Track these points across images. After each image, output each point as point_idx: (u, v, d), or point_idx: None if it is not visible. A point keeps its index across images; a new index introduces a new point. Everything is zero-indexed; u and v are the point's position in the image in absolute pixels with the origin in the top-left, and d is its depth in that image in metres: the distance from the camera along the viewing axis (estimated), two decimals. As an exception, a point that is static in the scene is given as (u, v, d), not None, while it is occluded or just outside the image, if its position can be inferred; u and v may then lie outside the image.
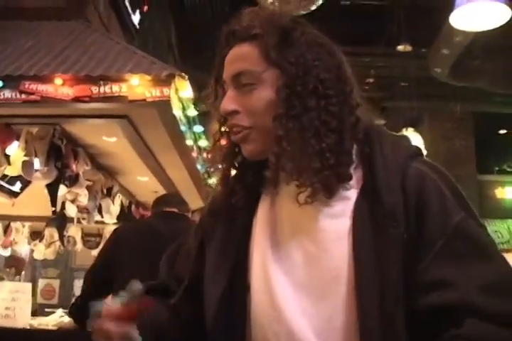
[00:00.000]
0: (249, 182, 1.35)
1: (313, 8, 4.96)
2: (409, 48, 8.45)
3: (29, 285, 5.69)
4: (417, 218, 1.17)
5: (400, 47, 8.47)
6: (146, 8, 7.95)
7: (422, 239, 1.16)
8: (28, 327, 5.02)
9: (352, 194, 1.23)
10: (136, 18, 7.59)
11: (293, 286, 1.21)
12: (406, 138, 1.34)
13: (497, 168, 13.03)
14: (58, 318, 5.20)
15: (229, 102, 1.29)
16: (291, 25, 1.29)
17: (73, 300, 4.33)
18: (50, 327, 5.03)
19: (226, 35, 1.33)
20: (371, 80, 10.01)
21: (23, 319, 5.10)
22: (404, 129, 8.54)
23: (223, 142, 1.37)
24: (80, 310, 3.52)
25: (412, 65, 8.84)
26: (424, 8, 7.92)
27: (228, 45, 1.32)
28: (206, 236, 1.39)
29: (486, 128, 12.43)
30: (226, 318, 1.26)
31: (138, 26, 7.65)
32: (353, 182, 1.24)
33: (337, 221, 1.22)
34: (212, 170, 1.39)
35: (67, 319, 5.03)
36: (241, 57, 1.29)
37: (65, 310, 5.24)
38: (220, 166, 1.37)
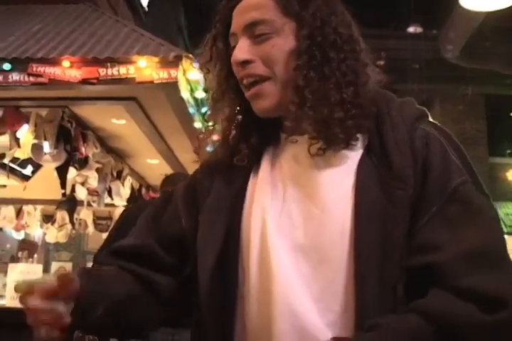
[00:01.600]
0: (252, 141, 1.32)
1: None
2: (420, 30, 8.40)
3: (40, 267, 5.75)
4: (422, 179, 1.16)
5: (411, 29, 8.42)
6: (155, -10, 7.93)
7: (422, 200, 1.15)
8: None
9: (356, 152, 1.22)
10: (145, 0, 7.58)
11: (291, 249, 1.18)
12: (412, 101, 1.31)
13: (509, 151, 12.96)
14: (69, 299, 5.24)
15: (242, 51, 1.24)
16: None
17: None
18: (61, 308, 5.08)
19: None
20: (382, 62, 9.94)
21: (34, 300, 5.15)
22: (415, 112, 8.49)
23: (223, 103, 1.33)
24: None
25: (423, 46, 8.79)
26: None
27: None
28: (201, 194, 1.35)
29: (498, 111, 12.35)
30: (221, 283, 1.22)
31: (147, 8, 7.64)
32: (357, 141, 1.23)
33: (340, 180, 1.20)
34: (212, 128, 1.35)
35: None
36: (256, 6, 1.25)
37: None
38: (221, 125, 1.33)
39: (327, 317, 1.14)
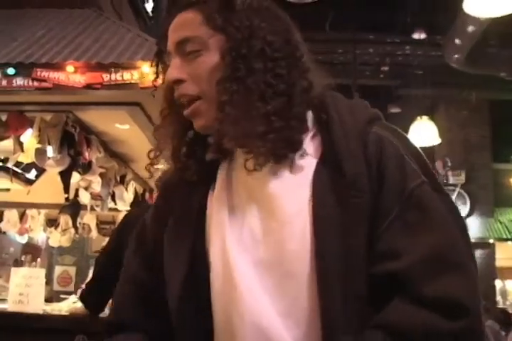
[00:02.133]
0: (200, 156, 1.30)
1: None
2: (424, 36, 8.40)
3: (43, 271, 5.73)
4: (378, 185, 1.15)
5: (415, 35, 8.43)
6: (159, -5, 7.95)
7: (380, 206, 1.14)
8: (41, 313, 5.06)
9: (310, 163, 1.20)
10: (149, 5, 7.60)
11: (254, 264, 1.16)
12: (363, 102, 1.30)
13: (513, 157, 12.97)
14: (71, 304, 5.23)
15: (174, 71, 1.24)
16: None
17: (83, 285, 4.38)
18: (63, 313, 5.08)
19: (170, 5, 1.32)
20: (386, 68, 9.96)
21: (37, 304, 5.15)
22: (419, 117, 8.48)
23: (170, 119, 1.31)
24: (89, 295, 3.55)
25: (427, 52, 8.80)
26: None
27: (170, 16, 1.28)
28: (161, 222, 1.33)
29: (502, 117, 12.35)
30: (190, 304, 1.21)
31: (151, 14, 7.66)
32: (310, 150, 1.21)
33: (296, 191, 1.18)
34: (158, 151, 1.31)
35: (79, 304, 5.07)
36: (184, 24, 1.25)
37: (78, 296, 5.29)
38: (168, 145, 1.30)
39: (294, 332, 1.12)
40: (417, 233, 1.11)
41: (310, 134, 1.24)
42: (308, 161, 1.20)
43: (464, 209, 10.00)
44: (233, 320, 1.15)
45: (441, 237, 1.11)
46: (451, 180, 10.22)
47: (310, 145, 1.22)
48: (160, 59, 1.33)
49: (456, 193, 10.08)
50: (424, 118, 8.44)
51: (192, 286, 1.21)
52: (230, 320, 1.16)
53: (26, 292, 5.19)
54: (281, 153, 1.18)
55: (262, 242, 1.17)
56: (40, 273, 5.55)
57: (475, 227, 10.92)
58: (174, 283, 1.23)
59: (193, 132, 1.30)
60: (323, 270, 1.11)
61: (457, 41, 8.39)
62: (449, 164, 10.19)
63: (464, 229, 1.18)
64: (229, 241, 1.19)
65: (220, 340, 1.18)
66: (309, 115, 1.25)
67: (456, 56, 8.75)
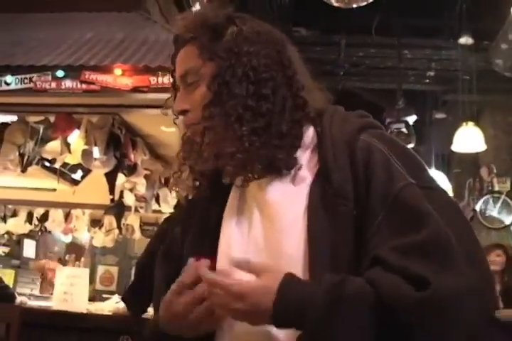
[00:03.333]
0: (210, 174, 1.36)
1: (372, 0, 4.92)
2: (470, 41, 8.29)
3: (87, 271, 5.82)
4: (365, 191, 1.20)
5: (462, 40, 8.32)
6: None
7: (368, 212, 1.18)
8: (85, 312, 5.13)
9: (307, 175, 1.27)
10: (195, 9, 7.64)
11: None
12: (357, 114, 1.36)
13: (559, 164, 12.73)
14: (114, 304, 5.30)
15: (178, 102, 1.35)
16: (224, 23, 1.34)
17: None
18: (106, 313, 5.14)
19: (174, 42, 1.40)
20: (432, 73, 9.85)
21: (81, 303, 5.22)
22: (464, 123, 8.38)
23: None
24: (130, 296, 3.59)
25: (474, 58, 8.69)
26: None
27: (177, 52, 1.39)
28: (184, 235, 1.41)
29: (550, 123, 12.14)
30: None
31: (198, 18, 7.71)
32: (308, 164, 1.29)
33: (295, 202, 1.25)
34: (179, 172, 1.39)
35: (122, 305, 5.13)
36: (184, 58, 1.36)
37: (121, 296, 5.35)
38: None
39: (287, 331, 1.16)
40: (402, 235, 1.14)
41: (310, 148, 1.31)
42: (306, 174, 1.28)
43: (508, 217, 9.84)
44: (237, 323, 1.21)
45: (427, 236, 1.12)
46: (497, 187, 10.05)
47: (309, 158, 1.30)
48: (176, 89, 1.41)
49: (501, 201, 9.92)
50: (470, 124, 8.33)
51: None
52: (233, 323, 1.23)
53: (70, 291, 5.27)
54: (254, 170, 1.27)
55: (264, 250, 1.25)
56: (84, 272, 5.63)
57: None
58: None
59: None
60: (316, 273, 1.17)
61: (504, 46, 8.28)
62: (495, 171, 10.02)
63: (463, 225, 1.21)
64: (234, 250, 1.28)
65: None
66: (310, 131, 1.33)
67: (502, 62, 8.63)
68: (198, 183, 1.37)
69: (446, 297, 1.07)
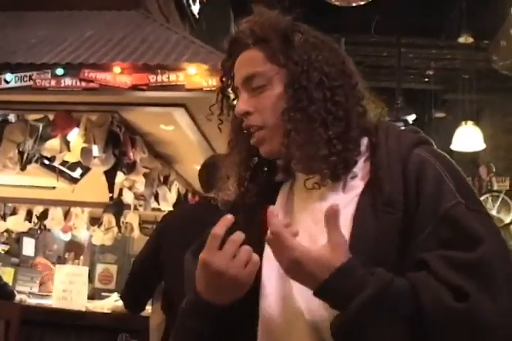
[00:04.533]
0: (261, 180, 1.42)
1: (372, -2, 4.93)
2: (470, 40, 8.29)
3: (86, 269, 5.82)
4: (415, 203, 1.23)
5: (461, 39, 8.32)
6: (206, -2, 8.02)
7: (415, 223, 1.21)
8: (84, 310, 5.14)
9: (359, 184, 1.30)
10: (195, 8, 7.66)
11: None
12: (414, 129, 1.41)
13: (560, 164, 12.73)
14: (113, 302, 5.30)
15: (242, 104, 1.36)
16: (291, 28, 1.37)
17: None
18: (105, 311, 5.14)
19: (230, 45, 1.41)
20: (431, 72, 9.86)
21: (80, 301, 5.23)
22: (464, 123, 8.38)
23: (237, 149, 1.44)
24: (127, 293, 3.59)
25: (474, 57, 8.69)
26: (487, -1, 7.79)
27: (233, 55, 1.40)
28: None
29: (549, 123, 12.14)
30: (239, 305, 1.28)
31: (197, 16, 7.72)
32: (361, 173, 1.32)
33: (344, 209, 1.24)
34: (226, 178, 1.44)
35: (121, 303, 5.13)
36: (249, 61, 1.36)
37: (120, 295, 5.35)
38: (235, 171, 1.43)
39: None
40: (453, 249, 1.16)
41: (363, 158, 1.34)
42: (358, 182, 1.31)
43: (507, 216, 9.84)
44: (289, 318, 1.26)
45: (481, 256, 1.14)
46: (496, 187, 10.05)
47: (362, 167, 1.33)
48: (223, 96, 1.45)
49: (500, 199, 9.92)
50: (469, 123, 8.34)
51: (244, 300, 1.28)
52: (283, 319, 1.27)
53: (70, 289, 5.27)
54: (340, 172, 1.30)
55: None
56: (84, 270, 5.64)
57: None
58: None
59: (257, 159, 1.43)
60: None
61: (504, 46, 8.29)
62: (494, 170, 10.03)
63: (503, 248, 1.21)
64: None
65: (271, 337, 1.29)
66: (364, 140, 1.36)
67: (502, 61, 8.64)
68: (246, 189, 1.42)
69: (479, 315, 1.10)
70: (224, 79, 1.44)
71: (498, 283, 1.14)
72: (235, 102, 1.44)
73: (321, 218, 1.22)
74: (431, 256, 1.16)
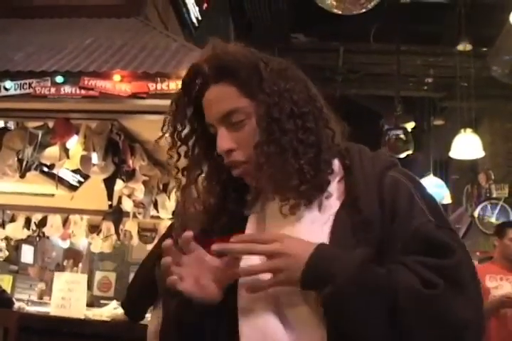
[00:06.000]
0: (232, 208, 1.43)
1: (371, 6, 4.94)
2: (469, 47, 8.31)
3: (85, 277, 5.83)
4: (390, 222, 1.28)
5: (460, 47, 8.34)
6: (205, 6, 8.02)
7: (389, 240, 1.27)
8: (83, 318, 5.13)
9: (334, 203, 1.34)
10: (195, 15, 7.67)
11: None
12: (384, 153, 1.49)
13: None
14: (112, 310, 5.30)
15: (225, 141, 1.35)
16: (257, 60, 1.37)
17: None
18: (104, 319, 5.13)
19: (194, 77, 1.39)
20: (430, 80, 9.88)
21: (79, 309, 5.22)
22: (462, 130, 8.39)
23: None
24: (129, 302, 3.58)
25: (472, 64, 8.70)
26: (486, 6, 7.81)
27: (198, 87, 1.39)
28: None
29: (548, 130, 12.14)
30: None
31: (197, 24, 7.73)
32: (336, 192, 1.36)
33: (320, 228, 1.31)
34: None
35: (120, 311, 5.13)
36: (223, 97, 1.36)
37: (119, 302, 5.34)
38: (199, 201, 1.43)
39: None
40: (427, 256, 1.23)
41: (337, 178, 1.38)
42: (333, 202, 1.34)
43: (507, 223, 9.84)
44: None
45: (446, 261, 1.21)
46: (495, 194, 10.06)
47: (336, 188, 1.36)
48: (196, 125, 1.44)
49: (499, 207, 9.93)
50: (468, 130, 8.34)
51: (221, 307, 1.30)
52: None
53: (68, 296, 5.26)
54: (312, 197, 1.33)
55: None
56: (82, 278, 5.63)
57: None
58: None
59: (222, 187, 1.44)
60: None
61: (502, 53, 8.31)
62: (493, 177, 10.04)
63: (471, 261, 1.28)
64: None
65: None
66: (336, 162, 1.39)
67: (501, 68, 8.65)
68: (215, 218, 1.42)
69: (450, 306, 1.17)
70: (193, 111, 1.42)
71: (466, 286, 1.21)
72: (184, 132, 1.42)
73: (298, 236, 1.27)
74: (405, 258, 1.22)
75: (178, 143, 1.42)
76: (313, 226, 1.31)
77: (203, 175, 1.44)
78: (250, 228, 1.39)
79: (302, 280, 1.19)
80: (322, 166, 1.33)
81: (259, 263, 1.23)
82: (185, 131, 1.43)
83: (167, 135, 1.43)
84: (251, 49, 1.41)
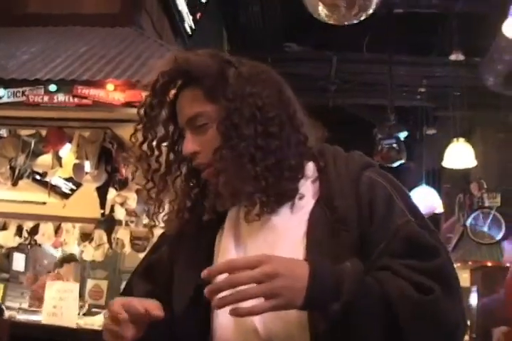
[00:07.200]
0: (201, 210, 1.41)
1: (364, 17, 4.96)
2: (461, 57, 8.35)
3: (77, 285, 5.79)
4: (368, 222, 1.29)
5: (453, 57, 8.38)
6: (199, 15, 8.04)
7: (370, 240, 1.27)
8: (75, 327, 5.11)
9: (308, 203, 1.34)
10: (188, 24, 7.69)
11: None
12: (359, 153, 1.45)
13: (551, 181, 12.75)
14: (104, 319, 5.27)
15: (189, 145, 1.38)
16: (224, 64, 1.39)
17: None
18: (96, 328, 5.12)
19: (165, 82, 1.40)
20: (423, 90, 9.91)
21: (70, 318, 5.20)
22: (455, 139, 8.43)
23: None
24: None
25: (465, 74, 8.74)
26: (478, 16, 7.84)
27: (167, 91, 1.42)
28: (172, 254, 1.46)
29: (540, 140, 12.17)
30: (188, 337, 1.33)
31: (190, 33, 7.74)
32: (310, 192, 1.36)
33: (295, 228, 1.31)
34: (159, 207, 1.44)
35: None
36: (189, 101, 1.39)
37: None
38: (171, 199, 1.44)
39: None
40: (411, 259, 1.23)
41: (310, 179, 1.38)
42: (307, 202, 1.34)
43: (499, 232, 9.85)
44: (243, 336, 1.28)
45: (438, 265, 1.23)
46: (487, 203, 10.07)
47: (310, 188, 1.37)
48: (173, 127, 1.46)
49: (491, 216, 9.93)
50: (461, 140, 8.38)
51: (192, 320, 1.33)
52: (237, 336, 1.29)
53: (60, 305, 5.24)
54: (269, 205, 1.32)
55: None
56: (74, 287, 5.60)
57: (510, 250, 10.75)
58: (179, 306, 1.36)
59: (199, 190, 1.45)
60: None
61: (494, 63, 8.35)
62: (485, 186, 10.06)
63: (450, 259, 1.30)
64: None
65: None
66: (310, 165, 1.40)
67: (493, 78, 8.69)
68: (187, 216, 1.42)
69: (444, 309, 1.18)
70: (167, 114, 1.44)
71: (454, 287, 1.23)
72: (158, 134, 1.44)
73: (277, 246, 1.29)
74: (391, 262, 1.22)
75: (155, 151, 1.43)
76: (288, 227, 1.32)
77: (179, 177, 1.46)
78: (227, 227, 1.40)
79: (306, 301, 1.13)
80: (286, 173, 1.32)
81: (248, 287, 1.14)
82: (159, 135, 1.44)
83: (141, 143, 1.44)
84: (221, 53, 1.44)
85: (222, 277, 1.15)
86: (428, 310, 1.16)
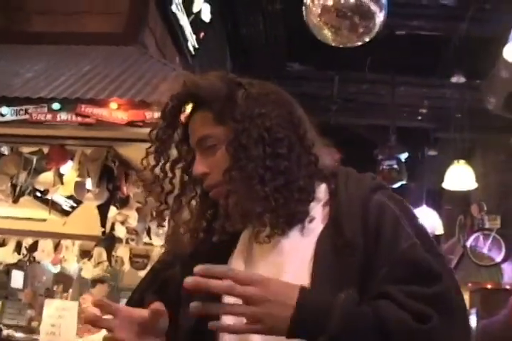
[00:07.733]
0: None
1: (368, 39, 4.98)
2: (463, 80, 8.39)
3: (76, 304, 5.78)
4: (374, 245, 1.28)
5: (454, 79, 8.42)
6: (202, 34, 8.07)
7: (374, 264, 1.26)
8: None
9: (318, 227, 1.33)
10: (192, 44, 7.71)
11: None
12: (371, 175, 1.45)
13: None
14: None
15: (199, 166, 1.40)
16: (233, 86, 1.40)
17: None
18: (95, 346, 5.09)
19: (174, 105, 1.41)
20: (424, 111, 9.94)
21: (69, 336, 5.18)
22: (456, 161, 8.44)
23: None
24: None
25: (466, 96, 8.77)
26: (480, 39, 7.88)
27: (178, 114, 1.42)
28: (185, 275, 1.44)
29: (541, 162, 12.18)
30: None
31: (193, 52, 7.77)
32: (320, 216, 1.35)
33: (303, 252, 1.31)
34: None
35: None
36: (199, 123, 1.41)
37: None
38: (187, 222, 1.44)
39: None
40: (411, 284, 1.21)
41: (321, 202, 1.38)
42: (316, 225, 1.34)
43: (499, 254, 9.85)
44: None
45: (433, 289, 1.21)
46: (487, 225, 10.07)
47: (320, 211, 1.37)
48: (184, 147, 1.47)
49: (491, 238, 9.94)
50: (461, 162, 8.40)
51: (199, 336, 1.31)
52: None
53: (58, 323, 5.23)
54: (279, 226, 1.32)
55: None
56: (73, 305, 5.59)
57: (510, 272, 10.73)
58: (185, 326, 1.35)
59: (214, 210, 1.45)
60: None
61: (495, 86, 8.38)
62: (485, 208, 10.06)
63: (456, 284, 1.28)
64: None
65: None
66: (322, 186, 1.40)
67: (494, 100, 8.71)
68: (201, 236, 1.42)
69: (441, 338, 1.17)
70: (180, 134, 1.45)
71: (455, 314, 1.21)
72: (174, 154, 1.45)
73: (285, 268, 1.29)
74: (391, 288, 1.20)
75: (169, 173, 1.44)
76: (297, 250, 1.32)
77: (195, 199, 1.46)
78: (239, 248, 1.40)
79: (290, 331, 1.14)
80: (295, 194, 1.33)
81: (235, 304, 1.16)
82: (172, 157, 1.46)
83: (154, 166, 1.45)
84: (230, 75, 1.45)
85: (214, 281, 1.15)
86: (424, 339, 1.16)
